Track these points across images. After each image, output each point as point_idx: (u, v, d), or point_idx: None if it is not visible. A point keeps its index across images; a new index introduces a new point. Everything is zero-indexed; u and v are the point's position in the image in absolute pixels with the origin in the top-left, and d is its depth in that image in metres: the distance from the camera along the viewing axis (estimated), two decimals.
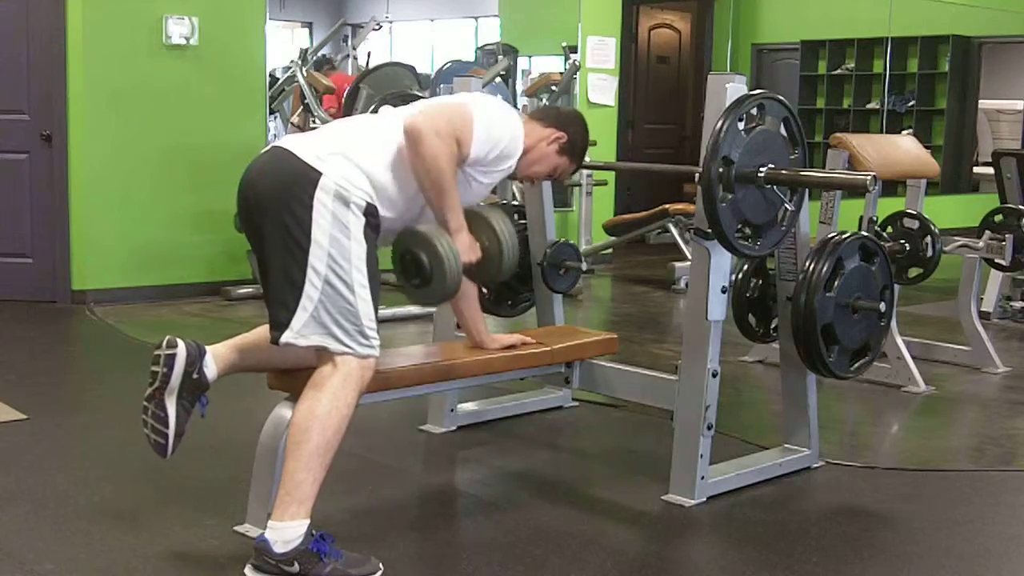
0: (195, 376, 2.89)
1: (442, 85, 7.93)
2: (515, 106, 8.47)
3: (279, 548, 2.60)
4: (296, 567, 2.60)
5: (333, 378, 2.69)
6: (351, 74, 9.37)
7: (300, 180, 2.70)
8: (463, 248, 2.87)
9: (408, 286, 2.97)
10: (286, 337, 2.70)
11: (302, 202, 2.68)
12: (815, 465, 3.64)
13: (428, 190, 2.83)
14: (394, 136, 2.83)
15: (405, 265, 2.91)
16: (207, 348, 2.93)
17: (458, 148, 2.82)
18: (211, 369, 2.92)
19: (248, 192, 2.82)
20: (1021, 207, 5.41)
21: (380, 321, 2.86)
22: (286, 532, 2.61)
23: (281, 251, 2.70)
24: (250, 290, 6.44)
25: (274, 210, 2.71)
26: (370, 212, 2.76)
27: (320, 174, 2.70)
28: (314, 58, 9.41)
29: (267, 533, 2.63)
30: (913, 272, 4.91)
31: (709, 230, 3.07)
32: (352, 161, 2.76)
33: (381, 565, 2.70)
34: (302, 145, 2.80)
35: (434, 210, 2.87)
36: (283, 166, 2.75)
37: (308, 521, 2.64)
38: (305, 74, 8.67)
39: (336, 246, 2.68)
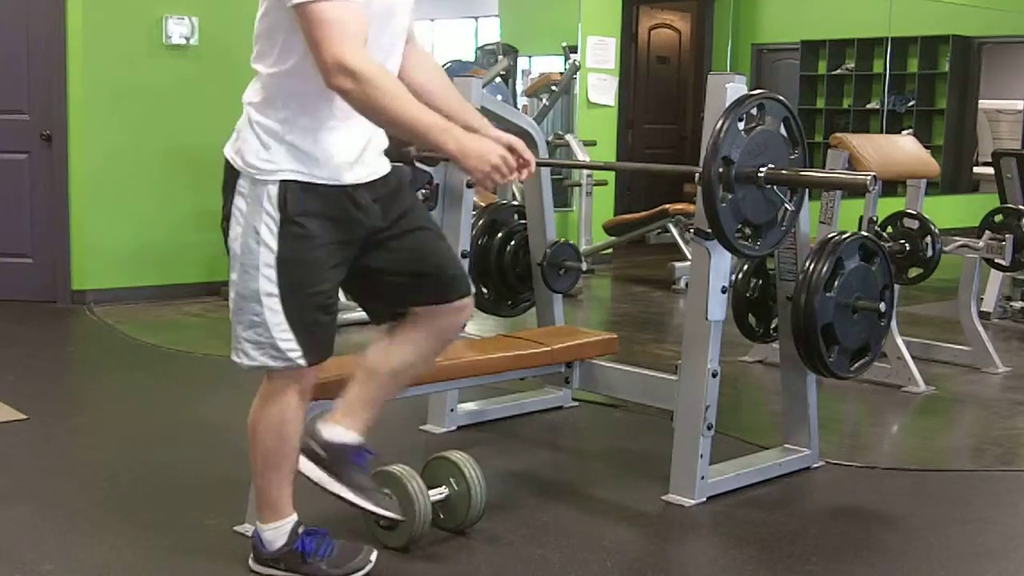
0: (321, 453, 2.65)
1: None
2: (515, 106, 8.47)
3: (266, 547, 2.67)
4: (282, 566, 2.66)
5: (268, 392, 2.61)
6: None
7: (225, 185, 2.52)
8: (485, 153, 2.37)
9: (377, 528, 2.86)
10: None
11: (224, 209, 2.51)
12: (815, 465, 3.64)
13: (392, 131, 2.46)
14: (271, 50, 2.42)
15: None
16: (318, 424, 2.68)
17: (362, 40, 2.30)
18: (333, 431, 2.65)
19: None
20: (1021, 207, 5.41)
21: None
22: (266, 535, 2.67)
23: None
24: None
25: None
26: (288, 196, 2.41)
27: (236, 172, 2.47)
28: None
29: (257, 530, 2.70)
30: (913, 272, 4.91)
31: (709, 230, 3.07)
32: (251, 122, 2.47)
33: (374, 554, 2.70)
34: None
35: (417, 144, 2.57)
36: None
37: (285, 521, 2.65)
38: None
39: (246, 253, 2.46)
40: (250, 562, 2.71)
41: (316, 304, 2.50)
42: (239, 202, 2.45)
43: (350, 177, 2.47)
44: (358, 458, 2.67)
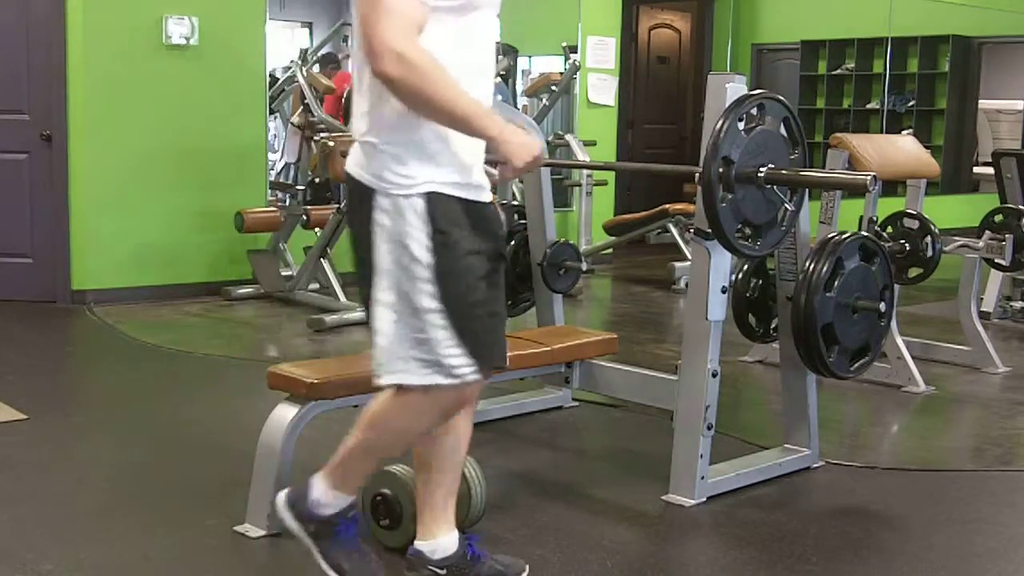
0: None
1: None
2: (515, 106, 8.47)
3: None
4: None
5: (389, 400, 2.45)
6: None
7: (359, 202, 2.38)
8: (528, 143, 2.37)
9: (376, 526, 2.86)
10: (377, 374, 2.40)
11: (358, 227, 2.39)
12: (815, 465, 3.64)
13: (432, 119, 2.32)
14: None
15: (375, 506, 2.84)
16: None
17: (417, 29, 2.23)
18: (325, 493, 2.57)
19: None
20: (1021, 207, 5.41)
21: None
22: (318, 495, 2.54)
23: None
24: (250, 290, 6.45)
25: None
26: (434, 207, 2.33)
27: (370, 190, 2.34)
28: (318, 56, 9.41)
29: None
30: (913, 272, 4.91)
31: (709, 230, 3.07)
32: (377, 146, 2.33)
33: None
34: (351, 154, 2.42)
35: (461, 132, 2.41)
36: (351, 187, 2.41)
37: (347, 496, 2.54)
38: (305, 74, 8.67)
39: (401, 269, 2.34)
40: None
41: (480, 313, 2.38)
42: (381, 219, 2.33)
43: (481, 192, 2.42)
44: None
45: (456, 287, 2.33)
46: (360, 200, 2.36)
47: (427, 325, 2.32)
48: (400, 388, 2.38)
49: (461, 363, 2.34)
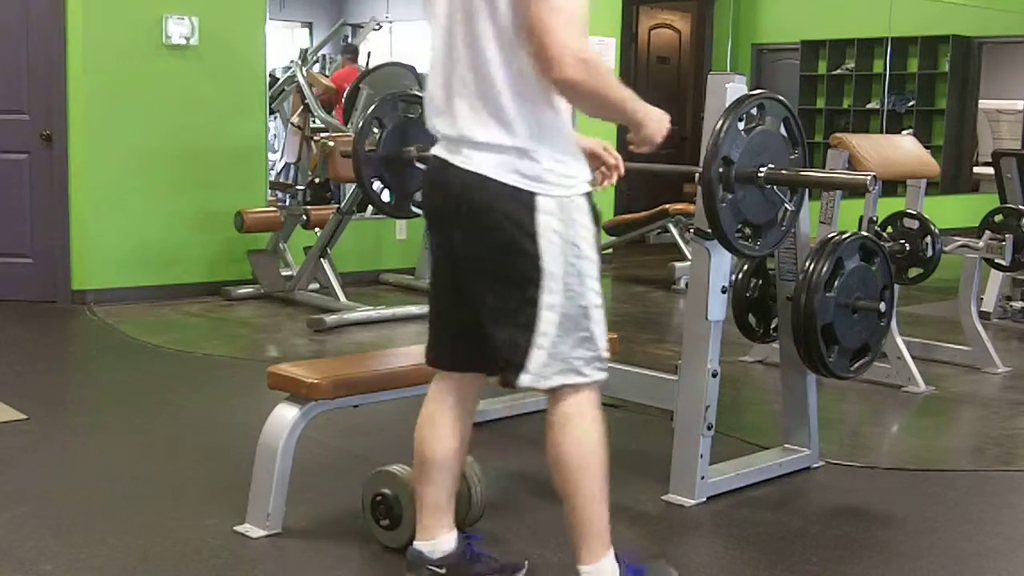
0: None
1: None
2: None
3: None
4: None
5: (581, 411, 2.42)
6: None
7: (509, 208, 2.32)
8: (662, 118, 2.44)
9: (377, 527, 2.86)
10: (526, 381, 2.39)
11: (512, 232, 2.32)
12: (815, 465, 3.64)
13: (603, 115, 2.39)
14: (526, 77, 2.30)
15: (375, 506, 2.85)
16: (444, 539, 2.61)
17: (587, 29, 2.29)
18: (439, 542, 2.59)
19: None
20: (1021, 207, 5.42)
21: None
22: (603, 571, 2.44)
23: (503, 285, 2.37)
24: (250, 290, 6.45)
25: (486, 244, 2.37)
26: (592, 205, 2.37)
27: (528, 193, 2.30)
28: (342, 45, 9.41)
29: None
30: (913, 272, 4.91)
31: (709, 230, 3.07)
32: (530, 150, 2.31)
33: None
34: (490, 163, 2.32)
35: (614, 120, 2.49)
36: (487, 195, 2.33)
37: (612, 550, 2.47)
38: (305, 74, 8.68)
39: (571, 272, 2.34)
40: None
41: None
42: (550, 222, 2.30)
43: None
44: (471, 552, 2.60)
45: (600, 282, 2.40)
46: (509, 206, 2.30)
47: (592, 322, 2.36)
48: (564, 400, 2.38)
49: (606, 356, 2.40)
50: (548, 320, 2.32)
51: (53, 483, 3.37)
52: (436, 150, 2.42)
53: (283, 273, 6.48)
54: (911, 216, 4.85)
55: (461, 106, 2.32)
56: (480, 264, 2.39)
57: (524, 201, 2.30)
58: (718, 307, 3.21)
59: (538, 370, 2.35)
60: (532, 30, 2.19)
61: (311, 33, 11.41)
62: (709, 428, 3.25)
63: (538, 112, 2.30)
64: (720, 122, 3.01)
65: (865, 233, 3.60)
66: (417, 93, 5.79)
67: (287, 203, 7.37)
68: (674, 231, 7.69)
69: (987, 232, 5.29)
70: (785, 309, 3.49)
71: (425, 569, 2.56)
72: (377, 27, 10.06)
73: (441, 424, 2.56)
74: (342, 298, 6.01)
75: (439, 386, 2.60)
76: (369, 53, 9.71)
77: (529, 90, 2.28)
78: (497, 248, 2.33)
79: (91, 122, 6.11)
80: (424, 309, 2.68)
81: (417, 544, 2.58)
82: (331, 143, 6.30)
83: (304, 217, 6.50)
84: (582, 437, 2.40)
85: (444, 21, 2.34)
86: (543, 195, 2.30)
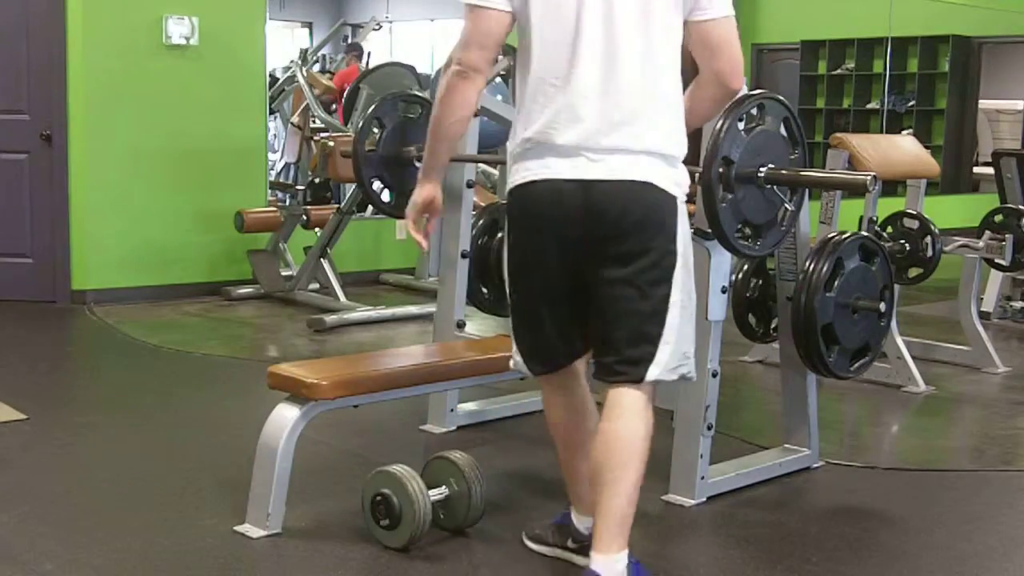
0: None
1: None
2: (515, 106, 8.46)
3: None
4: None
5: (648, 405, 2.54)
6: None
7: (662, 212, 2.52)
8: None
9: (376, 527, 2.87)
10: (654, 374, 2.50)
11: (658, 238, 2.50)
12: (815, 465, 3.64)
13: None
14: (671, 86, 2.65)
15: (374, 506, 2.85)
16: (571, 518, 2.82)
17: None
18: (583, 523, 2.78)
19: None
20: (1021, 207, 5.41)
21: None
22: (619, 564, 2.49)
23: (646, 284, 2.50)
24: (250, 290, 6.45)
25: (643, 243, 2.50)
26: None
27: (672, 198, 2.52)
28: (347, 44, 9.40)
29: (596, 566, 2.50)
30: (913, 272, 4.91)
31: (709, 230, 3.07)
32: (674, 157, 2.57)
33: None
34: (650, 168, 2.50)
35: None
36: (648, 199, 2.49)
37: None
38: (305, 74, 8.67)
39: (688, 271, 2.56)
40: None
41: None
42: (683, 222, 2.54)
43: None
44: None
45: None
46: (662, 210, 2.49)
47: (692, 317, 2.57)
48: (638, 390, 2.50)
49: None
50: (676, 315, 2.51)
51: (53, 483, 3.37)
52: (564, 152, 2.47)
53: (283, 273, 6.48)
54: (911, 216, 4.85)
55: (622, 114, 2.48)
56: (619, 264, 2.47)
57: (671, 206, 2.51)
58: (718, 307, 3.21)
59: (666, 362, 2.50)
60: (723, 43, 2.67)
61: (311, 33, 11.43)
62: (709, 428, 3.25)
63: (679, 120, 2.59)
64: (720, 122, 3.01)
65: (865, 233, 3.60)
66: (417, 93, 5.79)
67: (287, 203, 7.37)
68: None
69: (987, 232, 5.29)
70: (785, 309, 3.49)
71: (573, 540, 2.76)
72: (377, 27, 10.08)
73: (571, 411, 2.72)
74: (342, 298, 6.01)
75: (549, 387, 2.74)
76: (369, 53, 9.72)
77: (677, 99, 2.60)
78: (648, 251, 2.48)
79: (91, 122, 6.11)
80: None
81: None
82: (331, 143, 6.30)
83: (304, 217, 6.50)
84: (643, 431, 2.51)
85: (598, 32, 2.49)
86: (679, 200, 2.52)
